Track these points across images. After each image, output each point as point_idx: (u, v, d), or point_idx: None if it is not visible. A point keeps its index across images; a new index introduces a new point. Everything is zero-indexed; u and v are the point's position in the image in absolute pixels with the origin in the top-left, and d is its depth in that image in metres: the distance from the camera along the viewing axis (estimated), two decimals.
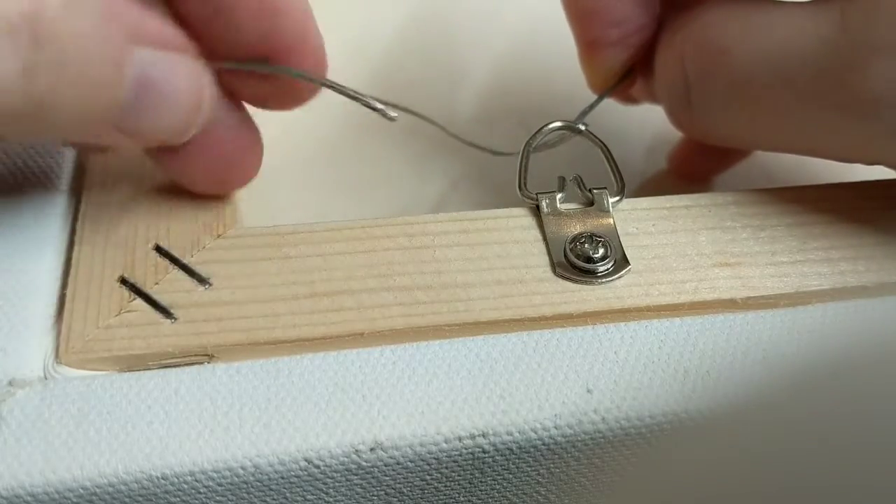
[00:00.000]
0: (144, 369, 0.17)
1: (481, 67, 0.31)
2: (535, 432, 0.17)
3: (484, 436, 0.17)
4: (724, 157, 0.27)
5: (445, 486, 0.18)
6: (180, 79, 0.17)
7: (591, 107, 0.23)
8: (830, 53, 0.18)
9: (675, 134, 0.24)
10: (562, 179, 0.21)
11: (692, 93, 0.21)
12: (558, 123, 0.22)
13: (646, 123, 0.29)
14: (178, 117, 0.18)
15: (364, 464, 0.17)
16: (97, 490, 0.16)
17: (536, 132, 0.22)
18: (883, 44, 0.18)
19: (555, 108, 0.23)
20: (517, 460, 0.17)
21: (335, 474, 0.17)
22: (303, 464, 0.16)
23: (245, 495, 0.17)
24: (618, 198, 0.21)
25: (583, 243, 0.19)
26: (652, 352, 0.18)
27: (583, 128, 0.22)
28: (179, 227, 0.19)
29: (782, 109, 0.20)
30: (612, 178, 0.21)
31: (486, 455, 0.17)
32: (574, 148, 0.23)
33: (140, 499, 0.16)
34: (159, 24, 0.17)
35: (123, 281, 0.18)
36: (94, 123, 0.17)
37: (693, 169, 0.28)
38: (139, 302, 0.18)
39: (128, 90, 0.16)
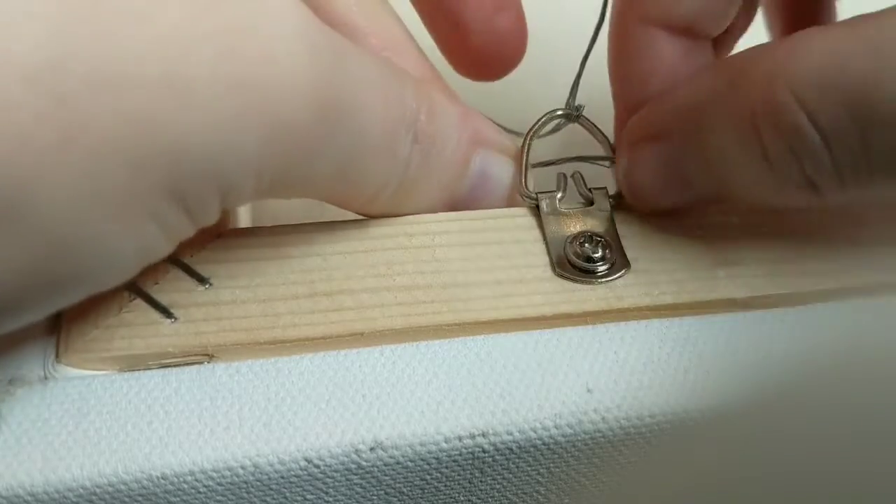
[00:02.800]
0: (144, 369, 0.17)
1: None
2: (535, 432, 0.17)
3: (484, 435, 0.17)
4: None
5: (445, 486, 0.18)
6: (506, 176, 0.21)
7: (575, 84, 0.22)
8: None
9: None
10: (561, 176, 0.21)
11: (834, 152, 0.16)
12: (558, 111, 0.22)
13: None
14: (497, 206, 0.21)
15: (364, 463, 0.17)
16: (97, 490, 0.16)
17: (535, 123, 0.22)
18: None
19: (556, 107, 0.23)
20: (517, 460, 0.17)
21: (335, 474, 0.17)
22: (303, 463, 0.16)
23: (245, 495, 0.17)
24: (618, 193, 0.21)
25: (583, 243, 0.19)
26: (652, 352, 0.18)
27: (579, 112, 0.22)
28: None
29: None
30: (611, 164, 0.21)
31: (486, 455, 0.17)
32: (573, 149, 0.23)
33: (140, 498, 0.16)
34: (493, 129, 0.21)
35: None
36: (437, 207, 0.20)
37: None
38: (139, 302, 0.18)
39: (467, 184, 0.20)
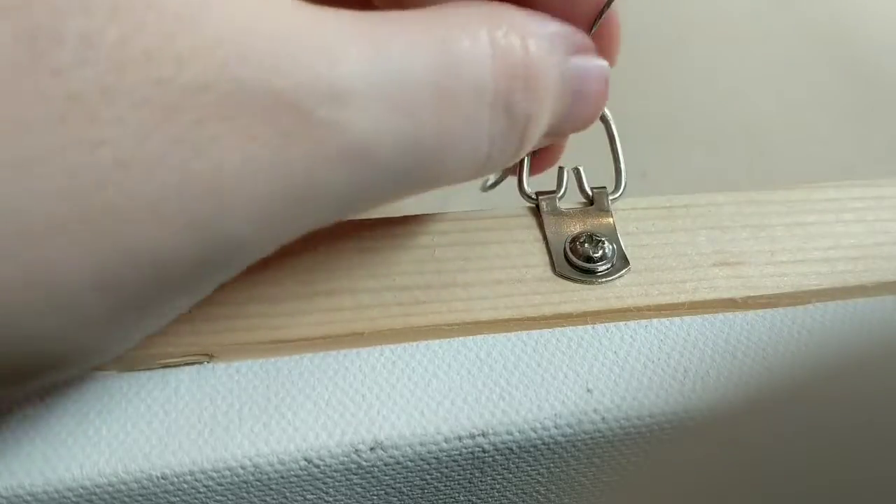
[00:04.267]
0: (144, 369, 0.18)
1: None
2: (535, 432, 0.17)
3: (484, 435, 0.17)
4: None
5: (445, 486, 0.18)
6: (597, 79, 0.19)
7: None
8: None
9: (675, 134, 0.24)
10: (561, 170, 0.21)
11: None
12: None
13: (647, 120, 0.29)
14: (591, 113, 0.19)
15: (364, 463, 0.17)
16: (97, 490, 0.16)
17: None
18: None
19: None
20: (517, 460, 0.17)
21: (335, 474, 0.17)
22: (302, 463, 0.16)
23: (245, 495, 0.17)
24: (619, 193, 0.21)
25: (583, 243, 0.19)
26: (652, 351, 0.18)
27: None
28: None
29: None
30: (613, 159, 0.21)
31: (486, 455, 0.17)
32: (574, 150, 0.23)
33: (140, 498, 0.16)
34: (576, 29, 0.18)
35: None
36: (541, 138, 0.18)
37: None
38: None
39: (570, 100, 0.18)
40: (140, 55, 0.12)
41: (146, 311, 0.14)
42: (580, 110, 0.19)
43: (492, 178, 0.24)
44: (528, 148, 0.18)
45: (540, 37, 0.17)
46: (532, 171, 0.21)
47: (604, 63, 0.19)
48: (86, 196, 0.12)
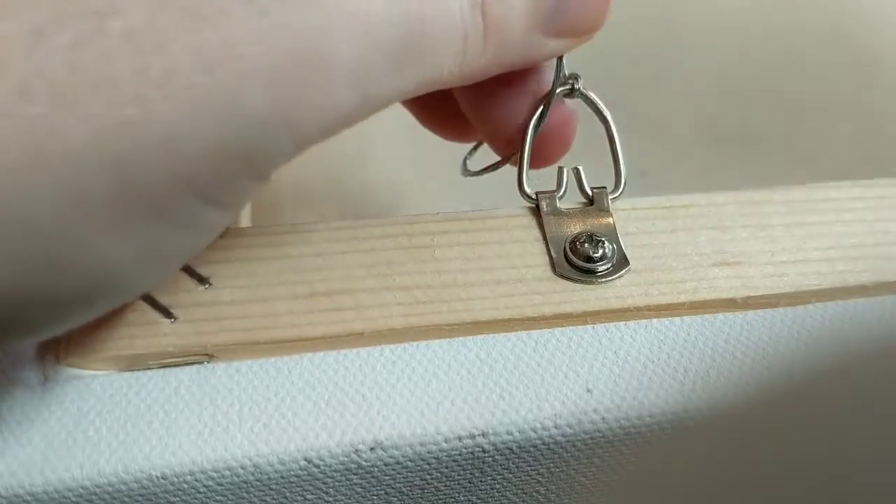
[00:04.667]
0: (144, 369, 0.18)
1: None
2: (535, 432, 0.17)
3: (484, 435, 0.17)
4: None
5: (445, 486, 0.18)
6: None
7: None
8: None
9: (681, 135, 0.24)
10: (561, 170, 0.21)
11: None
12: (558, 90, 0.20)
13: (647, 119, 0.29)
14: (595, 7, 0.18)
15: (364, 463, 0.17)
16: (97, 490, 0.16)
17: (537, 111, 0.20)
18: None
19: None
20: (517, 460, 0.17)
21: (335, 474, 0.17)
22: (302, 463, 0.16)
23: (245, 495, 0.17)
24: (618, 193, 0.21)
25: (583, 243, 0.19)
26: (652, 351, 0.18)
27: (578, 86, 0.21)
28: None
29: None
30: (612, 159, 0.21)
31: (486, 454, 0.17)
32: (575, 150, 0.23)
33: (140, 498, 0.16)
34: None
35: None
36: (529, 42, 0.17)
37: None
38: (139, 302, 0.18)
39: None
40: None
41: (161, 210, 0.13)
42: (578, 4, 0.18)
43: (471, 163, 0.23)
44: (509, 56, 0.17)
45: None
46: (532, 165, 0.21)
47: None
48: (92, 68, 0.12)
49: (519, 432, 0.17)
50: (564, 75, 0.20)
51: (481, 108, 0.21)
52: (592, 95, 0.21)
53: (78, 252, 0.13)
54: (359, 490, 0.17)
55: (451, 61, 0.16)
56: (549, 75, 0.20)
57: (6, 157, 0.12)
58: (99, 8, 0.12)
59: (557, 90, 0.20)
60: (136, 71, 0.12)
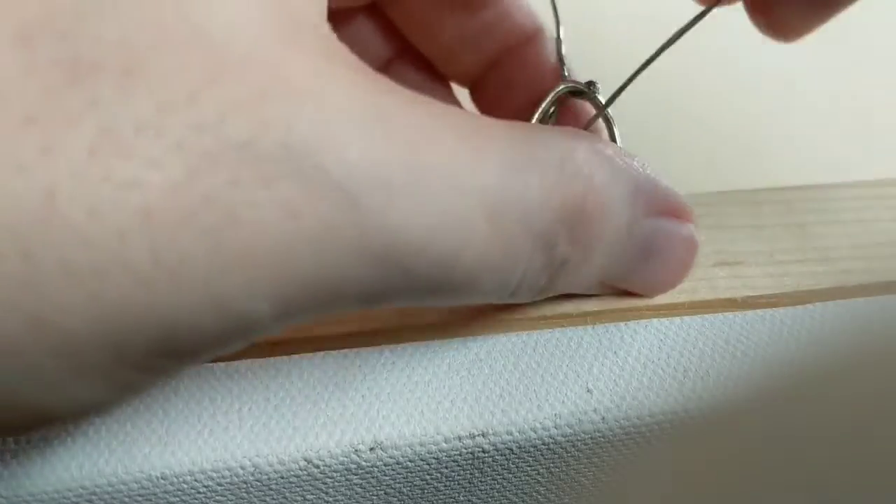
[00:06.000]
0: None
1: None
2: (535, 432, 0.17)
3: (483, 435, 0.17)
4: None
5: (445, 486, 0.18)
6: (678, 246, 0.18)
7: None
8: None
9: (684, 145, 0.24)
10: None
11: None
12: (562, 87, 0.20)
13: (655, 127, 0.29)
14: (667, 279, 0.19)
15: (364, 464, 0.17)
16: (96, 490, 0.16)
17: (547, 102, 0.20)
18: None
19: None
20: (517, 460, 0.17)
21: (335, 474, 0.17)
22: (302, 464, 0.16)
23: (244, 495, 0.17)
24: None
25: None
26: (651, 351, 0.18)
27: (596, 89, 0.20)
28: None
29: None
30: None
31: (486, 455, 0.17)
32: None
33: (139, 498, 0.16)
34: (665, 190, 0.17)
35: None
36: (588, 288, 0.18)
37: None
38: None
39: (630, 262, 0.17)
40: (183, 96, 0.11)
41: (148, 369, 0.13)
42: (653, 273, 0.18)
43: None
44: (560, 290, 0.17)
45: (610, 185, 0.16)
46: None
47: (689, 232, 0.18)
48: (103, 245, 0.11)
49: (519, 432, 0.17)
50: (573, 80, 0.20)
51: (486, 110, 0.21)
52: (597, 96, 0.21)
53: (56, 396, 0.12)
54: (359, 490, 0.17)
55: (496, 298, 0.16)
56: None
57: (10, 323, 0.11)
58: (118, 176, 0.11)
59: (561, 89, 0.20)
60: (149, 255, 0.11)
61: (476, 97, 0.22)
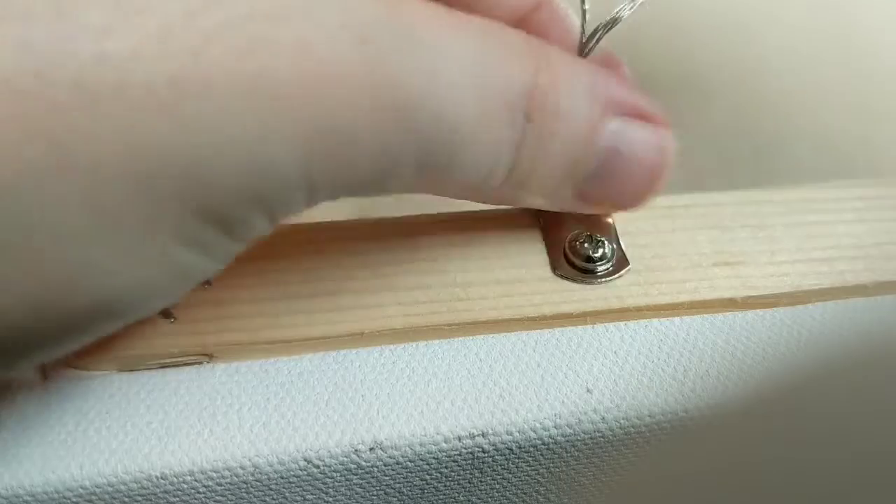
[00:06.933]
0: (144, 369, 0.18)
1: None
2: (535, 432, 0.17)
3: (483, 435, 0.17)
4: None
5: (445, 486, 0.18)
6: (644, 149, 0.17)
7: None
8: None
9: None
10: None
11: None
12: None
13: None
14: (638, 187, 0.18)
15: (363, 464, 0.17)
16: (96, 490, 0.16)
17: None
18: None
19: None
20: (517, 460, 0.17)
21: (335, 474, 0.17)
22: (302, 463, 0.16)
23: (244, 495, 0.17)
24: None
25: (582, 243, 0.19)
26: (651, 351, 0.18)
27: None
28: None
29: None
30: None
31: (486, 455, 0.17)
32: None
33: (139, 499, 0.16)
34: (631, 89, 0.17)
35: None
36: (562, 191, 0.17)
37: None
38: None
39: (594, 161, 0.17)
40: None
41: (181, 234, 0.12)
42: (622, 182, 0.17)
43: None
44: (530, 187, 0.17)
45: (574, 82, 0.16)
46: None
47: (657, 137, 0.17)
48: (120, 64, 0.11)
49: (519, 432, 0.17)
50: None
51: None
52: None
53: (98, 271, 0.12)
54: (358, 490, 0.17)
55: (471, 178, 0.16)
56: None
57: (31, 150, 0.11)
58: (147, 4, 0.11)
59: None
60: (166, 83, 0.11)
61: None
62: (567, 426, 0.17)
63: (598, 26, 0.19)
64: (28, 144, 0.11)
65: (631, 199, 0.18)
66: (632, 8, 0.18)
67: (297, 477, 0.17)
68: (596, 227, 0.20)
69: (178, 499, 0.16)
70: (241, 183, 0.13)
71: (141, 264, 0.12)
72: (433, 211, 0.20)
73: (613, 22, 0.18)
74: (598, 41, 0.19)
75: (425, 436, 0.17)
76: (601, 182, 0.17)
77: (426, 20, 0.14)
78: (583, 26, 0.20)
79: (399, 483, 0.17)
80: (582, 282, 0.19)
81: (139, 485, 0.16)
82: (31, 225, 0.11)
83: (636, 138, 0.17)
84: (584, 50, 0.19)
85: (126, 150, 0.11)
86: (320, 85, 0.13)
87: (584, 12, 0.20)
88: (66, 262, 0.12)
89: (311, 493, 0.17)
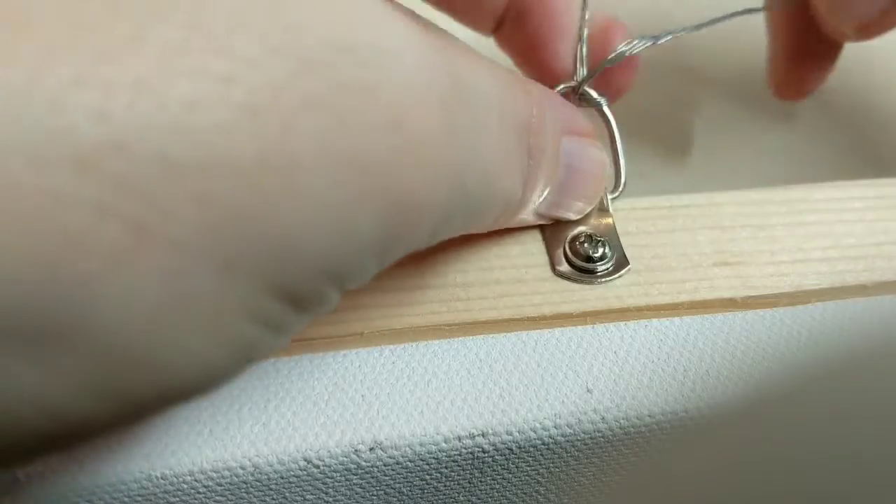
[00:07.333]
0: None
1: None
2: (535, 432, 0.17)
3: (483, 435, 0.17)
4: (826, 59, 0.27)
5: (445, 486, 0.18)
6: (594, 165, 0.19)
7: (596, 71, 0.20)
8: None
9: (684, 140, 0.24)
10: None
11: None
12: (560, 86, 0.21)
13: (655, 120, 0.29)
14: (589, 200, 0.19)
15: (363, 464, 0.17)
16: (96, 490, 0.16)
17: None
18: None
19: None
20: (517, 460, 0.17)
21: (334, 474, 0.17)
22: (302, 464, 0.16)
23: (244, 495, 0.17)
24: (618, 193, 0.21)
25: (582, 243, 0.19)
26: (651, 351, 0.18)
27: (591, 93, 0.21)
28: None
29: None
30: (612, 159, 0.21)
31: (486, 455, 0.17)
32: None
33: (139, 499, 0.16)
34: (577, 113, 0.19)
35: None
36: (531, 210, 0.18)
37: (798, 83, 0.28)
38: None
39: (558, 180, 0.18)
40: None
41: (258, 312, 0.12)
42: (575, 193, 0.19)
43: None
44: (522, 209, 0.18)
45: (548, 106, 0.17)
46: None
47: (598, 152, 0.19)
48: (205, 139, 0.10)
49: (519, 432, 0.17)
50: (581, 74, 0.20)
51: None
52: (594, 94, 0.21)
53: (167, 355, 0.11)
54: (358, 490, 0.17)
55: (496, 216, 0.17)
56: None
57: (108, 231, 0.10)
58: (219, 70, 0.10)
59: (559, 88, 0.20)
60: (254, 156, 0.11)
61: (502, 42, 0.22)
62: (567, 426, 0.17)
63: (602, 61, 0.20)
64: (102, 227, 0.10)
65: (579, 211, 0.20)
66: (629, 45, 0.20)
67: (297, 477, 0.17)
68: (596, 227, 0.20)
69: (178, 499, 0.16)
70: (321, 256, 0.12)
71: (212, 344, 0.12)
72: None
73: (617, 58, 0.20)
74: (597, 73, 0.20)
75: (425, 436, 0.17)
76: (559, 195, 0.19)
77: (472, 71, 0.14)
78: (582, 28, 0.20)
79: (399, 483, 0.17)
80: (582, 282, 0.19)
81: (139, 485, 0.16)
82: (104, 311, 0.10)
83: (585, 155, 0.18)
84: (579, 55, 0.20)
85: (208, 229, 0.11)
86: (408, 160, 0.12)
87: (583, 14, 0.20)
88: (134, 348, 0.11)
89: (311, 493, 0.17)
